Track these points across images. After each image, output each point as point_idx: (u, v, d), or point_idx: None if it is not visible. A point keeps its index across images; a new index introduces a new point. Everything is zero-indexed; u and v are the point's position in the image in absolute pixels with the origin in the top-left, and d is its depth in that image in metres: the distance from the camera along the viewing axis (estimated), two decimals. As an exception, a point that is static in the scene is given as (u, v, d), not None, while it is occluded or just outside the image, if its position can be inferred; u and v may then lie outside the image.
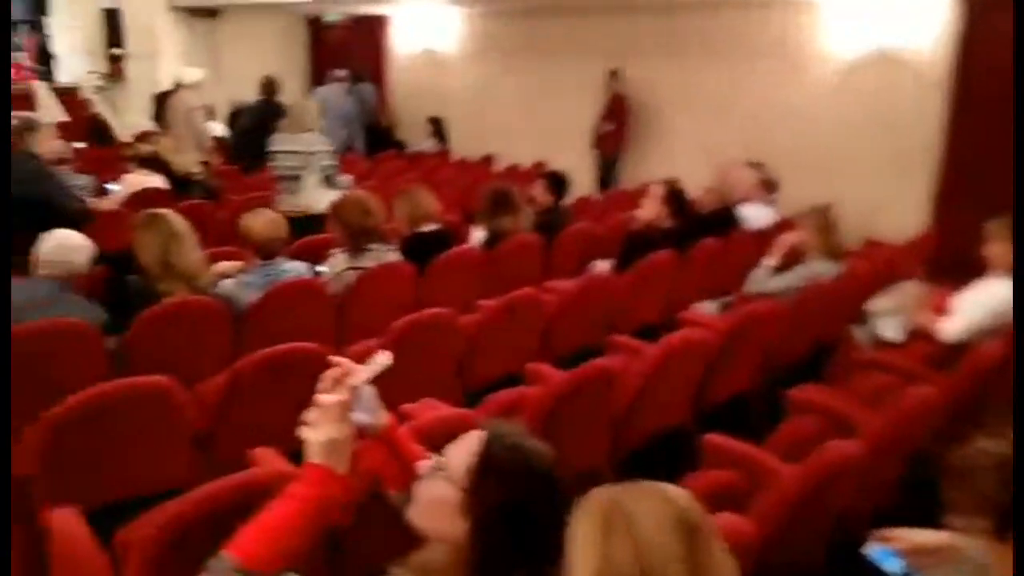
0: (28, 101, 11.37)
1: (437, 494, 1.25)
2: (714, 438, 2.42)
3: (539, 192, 4.90)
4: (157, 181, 5.88)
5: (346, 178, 5.62)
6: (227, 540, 1.33)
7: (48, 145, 4.81)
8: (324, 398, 1.29)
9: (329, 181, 5.12)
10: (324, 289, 3.56)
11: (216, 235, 4.60)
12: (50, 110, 11.55)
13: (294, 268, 3.49)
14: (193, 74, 6.80)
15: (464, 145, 9.80)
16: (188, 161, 6.38)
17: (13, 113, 5.28)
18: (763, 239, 4.84)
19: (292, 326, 3.38)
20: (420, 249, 4.02)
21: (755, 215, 5.00)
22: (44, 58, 12.48)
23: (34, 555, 2.25)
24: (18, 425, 2.43)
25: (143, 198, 5.48)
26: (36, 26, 12.81)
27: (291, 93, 8.10)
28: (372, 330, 3.49)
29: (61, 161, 5.67)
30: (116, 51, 11.86)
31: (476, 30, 9.87)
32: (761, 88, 7.18)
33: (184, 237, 3.15)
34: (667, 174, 5.21)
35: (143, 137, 7.67)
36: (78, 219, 4.09)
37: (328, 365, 1.35)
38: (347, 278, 3.67)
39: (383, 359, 1.33)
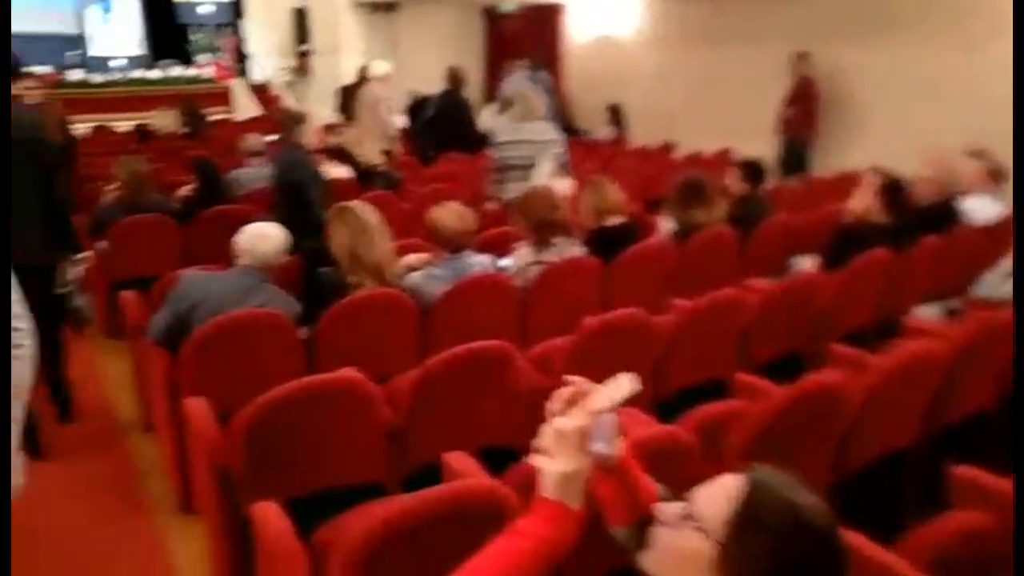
0: (227, 98, 12.23)
1: (686, 546, 1.06)
2: (966, 471, 2.08)
3: (733, 181, 4.58)
4: (343, 172, 6.05)
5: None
6: (431, 550, 1.24)
7: (313, 137, 5.06)
8: (562, 424, 1.13)
9: (563, 169, 5.02)
10: (510, 284, 3.45)
11: (399, 226, 4.62)
12: (246, 106, 12.34)
13: (480, 262, 3.40)
14: (380, 67, 6.94)
15: (642, 133, 9.51)
16: (371, 152, 6.52)
17: (284, 106, 5.66)
18: (990, 235, 4.29)
19: (478, 321, 3.31)
20: (606, 243, 3.84)
21: (980, 208, 4.44)
22: (240, 58, 13.37)
23: (239, 546, 2.31)
24: (223, 414, 2.49)
25: (330, 188, 5.66)
26: (234, 28, 13.74)
27: (470, 84, 8.13)
28: (557, 327, 3.38)
29: (257, 154, 5.94)
30: (303, 48, 12.48)
31: (655, 14, 9.54)
32: (981, 69, 6.42)
33: (373, 230, 3.13)
34: (865, 162, 4.74)
35: (329, 129, 7.97)
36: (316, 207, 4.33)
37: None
38: (531, 272, 3.54)
39: (630, 384, 1.15)
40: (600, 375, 1.21)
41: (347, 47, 11.25)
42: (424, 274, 3.33)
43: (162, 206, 4.87)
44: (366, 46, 11.04)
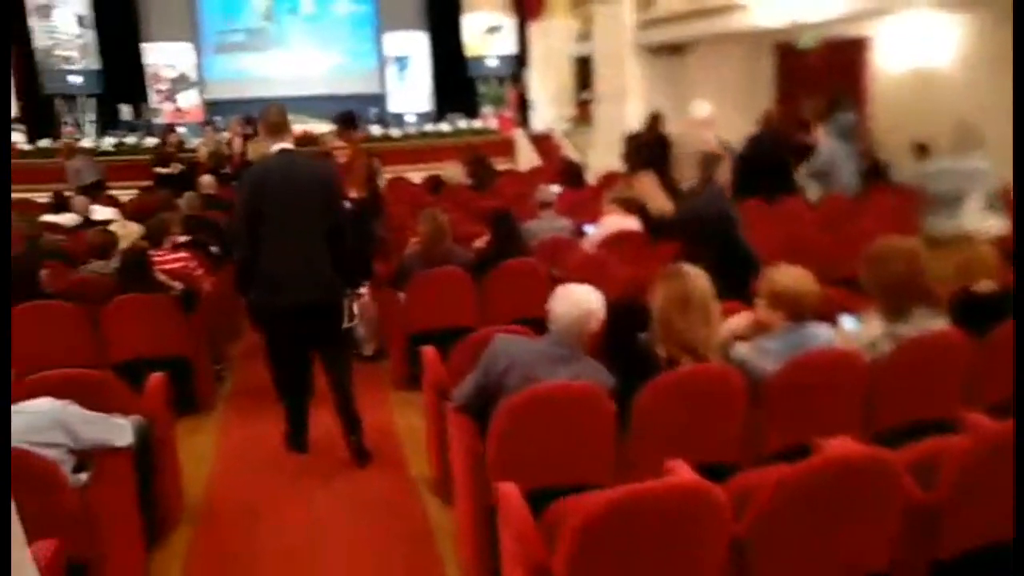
0: (510, 148, 12.63)
1: None
2: None
3: None
4: (633, 223, 5.73)
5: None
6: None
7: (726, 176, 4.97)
8: None
9: (993, 205, 4.70)
10: (859, 362, 2.87)
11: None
12: (527, 155, 12.63)
13: (824, 335, 2.86)
14: (702, 108, 6.62)
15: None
16: (665, 202, 6.15)
17: (703, 148, 5.74)
18: None
19: (818, 405, 2.79)
20: (975, 314, 3.12)
21: None
22: (523, 108, 13.78)
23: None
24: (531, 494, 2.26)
25: (619, 240, 5.37)
26: (517, 79, 14.23)
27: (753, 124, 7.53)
28: (918, 413, 2.81)
29: (548, 205, 5.82)
30: (584, 95, 12.56)
31: (980, 37, 8.32)
32: None
33: (698, 304, 2.71)
34: None
35: (614, 179, 7.78)
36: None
37: None
38: (883, 347, 2.93)
39: None
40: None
41: (631, 93, 11.08)
42: (755, 346, 2.86)
43: (459, 257, 4.84)
44: (649, 92, 10.80)
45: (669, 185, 6.24)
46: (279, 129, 3.70)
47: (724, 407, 2.76)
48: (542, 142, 12.81)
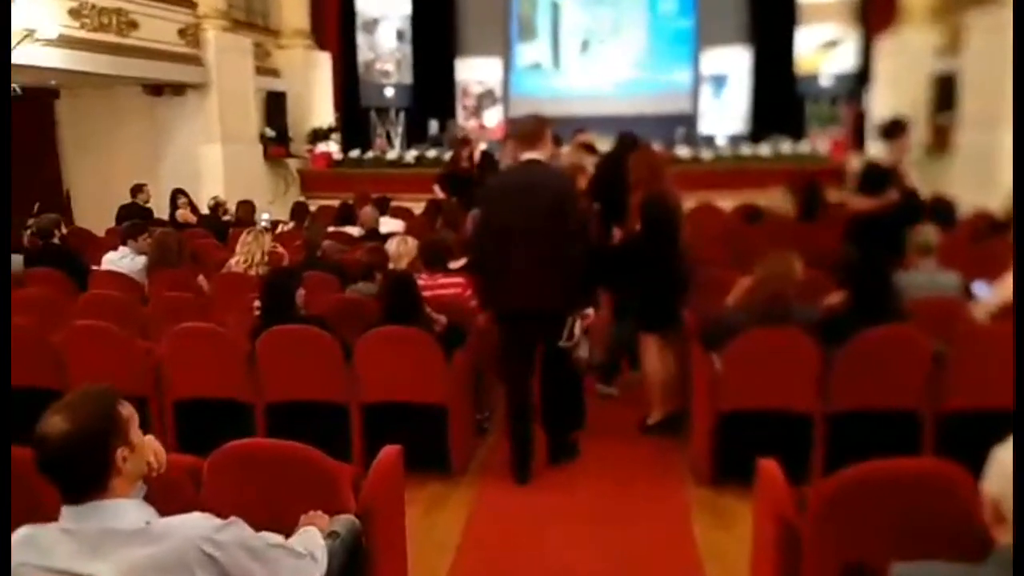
0: (841, 176, 10.75)
1: None
2: None
3: None
4: None
5: None
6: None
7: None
8: None
9: None
10: None
11: None
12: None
13: None
14: None
15: None
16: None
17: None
18: None
19: None
20: None
21: None
22: (860, 131, 11.79)
23: None
24: None
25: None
26: (855, 98, 12.25)
27: None
28: None
29: (926, 251, 4.27)
30: (942, 119, 10.37)
31: None
32: None
33: None
34: None
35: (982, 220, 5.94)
36: None
37: None
38: None
39: None
40: None
41: (1005, 120, 8.81)
42: None
43: (802, 315, 3.52)
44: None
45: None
46: (532, 140, 3.69)
47: None
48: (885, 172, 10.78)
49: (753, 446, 3.56)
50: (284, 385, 3.77)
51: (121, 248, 5.45)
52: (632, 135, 5.84)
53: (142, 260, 5.39)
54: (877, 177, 5.38)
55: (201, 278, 5.40)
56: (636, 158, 4.45)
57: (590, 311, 3.94)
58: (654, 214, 4.23)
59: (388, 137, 13.20)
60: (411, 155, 12.17)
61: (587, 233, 3.96)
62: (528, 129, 3.73)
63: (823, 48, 12.74)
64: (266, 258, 5.33)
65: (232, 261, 5.37)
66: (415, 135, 13.05)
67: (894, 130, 5.60)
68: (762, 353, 3.43)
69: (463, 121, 13.77)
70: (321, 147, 12.23)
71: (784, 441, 3.52)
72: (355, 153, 12.37)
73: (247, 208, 7.75)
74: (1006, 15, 8.70)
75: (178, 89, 10.10)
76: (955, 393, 3.42)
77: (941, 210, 6.27)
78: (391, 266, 4.57)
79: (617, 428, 4.32)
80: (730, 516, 3.31)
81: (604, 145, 6.72)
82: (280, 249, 5.45)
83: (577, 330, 3.70)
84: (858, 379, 3.42)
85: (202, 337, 3.79)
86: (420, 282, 4.17)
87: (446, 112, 13.61)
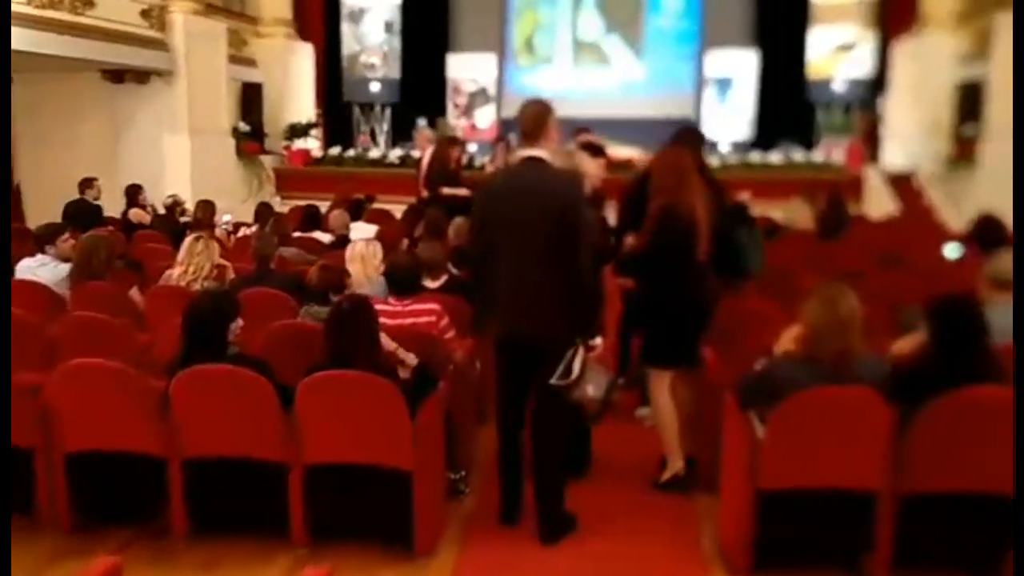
0: (857, 188, 10.05)
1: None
2: None
3: None
4: None
5: None
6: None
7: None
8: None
9: None
10: None
11: None
12: (879, 199, 10.01)
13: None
14: None
15: None
16: None
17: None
18: None
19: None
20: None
21: None
22: (874, 140, 11.09)
23: None
24: None
25: None
26: (869, 105, 11.55)
27: None
28: None
29: (1003, 285, 3.50)
30: (965, 129, 9.67)
31: None
32: None
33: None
34: None
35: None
36: None
37: None
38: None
39: None
40: None
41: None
42: None
43: (869, 371, 2.73)
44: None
45: None
46: (532, 132, 3.11)
47: None
48: (901, 184, 10.06)
49: (800, 528, 2.85)
50: (206, 438, 2.98)
51: (39, 255, 4.62)
52: (695, 131, 5.02)
53: (65, 268, 4.58)
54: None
55: (134, 291, 4.59)
56: (662, 161, 3.70)
57: (598, 341, 3.28)
58: (665, 226, 3.49)
59: (372, 134, 12.44)
60: (395, 154, 11.43)
61: (597, 247, 3.32)
62: (529, 115, 3.13)
63: (837, 51, 12.01)
64: (215, 271, 4.55)
65: (174, 272, 4.56)
66: (401, 133, 12.26)
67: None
68: (822, 417, 2.65)
69: (454, 120, 12.97)
70: (299, 144, 11.45)
71: (839, 524, 2.81)
72: (335, 151, 11.59)
73: (207, 209, 6.93)
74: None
75: (141, 76, 9.31)
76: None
77: (989, 231, 5.47)
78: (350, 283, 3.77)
79: (625, 477, 3.63)
80: None
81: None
82: (224, 262, 4.63)
83: (576, 365, 3.06)
84: (942, 450, 2.65)
85: (101, 375, 2.98)
86: (386, 308, 3.37)
87: (435, 110, 12.81)
